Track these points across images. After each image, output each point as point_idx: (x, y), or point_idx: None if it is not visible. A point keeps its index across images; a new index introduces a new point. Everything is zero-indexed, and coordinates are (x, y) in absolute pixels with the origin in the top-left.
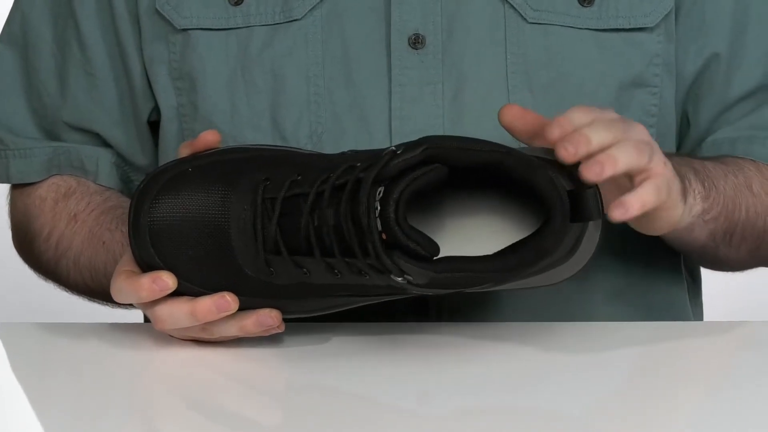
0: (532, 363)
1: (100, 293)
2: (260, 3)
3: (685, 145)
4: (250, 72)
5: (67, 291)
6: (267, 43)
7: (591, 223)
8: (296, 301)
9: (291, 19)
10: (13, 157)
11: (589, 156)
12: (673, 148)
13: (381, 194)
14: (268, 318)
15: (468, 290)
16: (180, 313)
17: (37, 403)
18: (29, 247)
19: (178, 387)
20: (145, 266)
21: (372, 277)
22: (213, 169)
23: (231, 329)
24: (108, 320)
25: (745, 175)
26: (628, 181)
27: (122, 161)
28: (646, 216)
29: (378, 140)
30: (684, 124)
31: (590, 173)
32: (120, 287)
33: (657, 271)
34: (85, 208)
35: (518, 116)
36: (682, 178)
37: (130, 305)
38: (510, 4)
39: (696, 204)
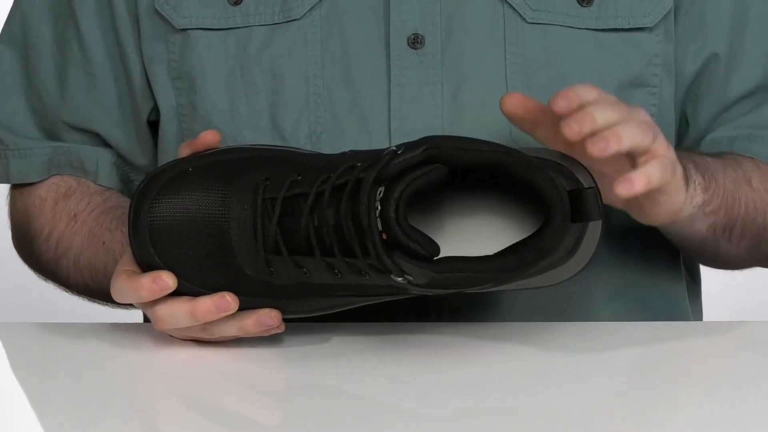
0: (532, 363)
1: (100, 293)
2: (259, 3)
3: (684, 144)
4: (249, 72)
5: (67, 291)
6: (266, 43)
7: (591, 223)
8: (296, 301)
9: (290, 19)
10: (13, 157)
11: (594, 134)
12: None
13: (381, 194)
14: (268, 318)
15: (468, 291)
16: (180, 312)
17: (37, 403)
18: (29, 247)
19: (178, 387)
20: (145, 266)
21: (372, 277)
22: (213, 169)
23: (231, 329)
24: (108, 320)
25: (744, 171)
26: (630, 165)
27: (122, 161)
28: (648, 200)
29: (377, 140)
30: (683, 123)
31: (595, 149)
32: (120, 287)
33: (657, 271)
34: (85, 208)
35: (520, 104)
36: (684, 167)
37: (130, 305)
38: (509, 4)
39: (696, 195)
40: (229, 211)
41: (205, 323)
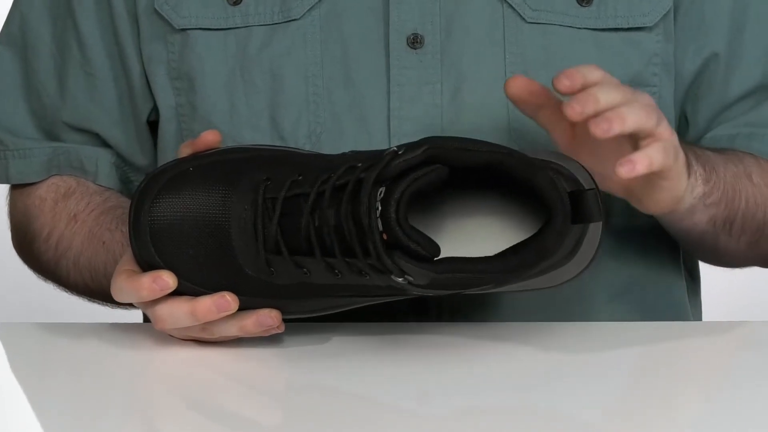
0: (532, 363)
1: (100, 293)
2: (259, 3)
3: None
4: (248, 72)
5: (66, 291)
6: (266, 43)
7: (592, 225)
8: (296, 301)
9: (289, 18)
10: (13, 157)
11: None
12: None
13: (382, 194)
14: (268, 318)
15: (468, 291)
16: (180, 312)
17: (37, 403)
18: (29, 247)
19: (178, 387)
20: (146, 265)
21: (372, 278)
22: (213, 169)
23: (231, 329)
24: (108, 320)
25: (745, 166)
26: (632, 150)
27: (122, 161)
28: (650, 186)
29: (377, 140)
30: (683, 123)
31: (598, 129)
32: (120, 286)
33: (657, 271)
34: (85, 209)
35: (524, 87)
36: (685, 156)
37: (130, 305)
38: (509, 3)
39: (697, 185)
40: (229, 210)
41: (205, 323)
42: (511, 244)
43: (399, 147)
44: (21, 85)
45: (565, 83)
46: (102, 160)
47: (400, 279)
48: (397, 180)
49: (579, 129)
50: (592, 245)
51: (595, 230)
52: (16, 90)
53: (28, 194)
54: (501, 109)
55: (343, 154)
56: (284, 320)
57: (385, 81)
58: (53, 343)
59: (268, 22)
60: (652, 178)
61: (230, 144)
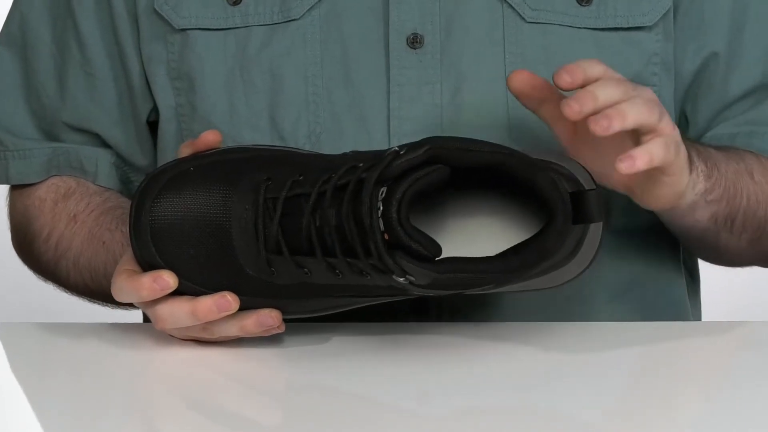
0: (532, 363)
1: (100, 294)
2: (258, 3)
3: None
4: (248, 72)
5: (66, 292)
6: (265, 43)
7: (592, 225)
8: (297, 301)
9: (289, 18)
10: (13, 158)
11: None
12: None
13: (383, 194)
14: (268, 318)
15: (469, 292)
16: (181, 312)
17: (37, 403)
18: (29, 248)
19: (178, 387)
20: (146, 265)
21: (373, 278)
22: (214, 169)
23: (231, 329)
24: (108, 320)
25: (746, 163)
26: (634, 145)
27: (121, 162)
28: (651, 181)
29: (376, 140)
30: (683, 122)
31: (597, 127)
32: (121, 286)
33: (657, 270)
34: (85, 209)
35: (527, 81)
36: (687, 152)
37: (131, 305)
38: (508, 3)
39: (699, 181)
40: (230, 210)
41: (205, 323)
42: (512, 245)
43: (400, 147)
44: (21, 85)
45: (565, 79)
46: (102, 161)
47: (402, 279)
48: (398, 180)
49: (581, 124)
50: (592, 245)
51: (595, 230)
52: (16, 90)
53: (28, 195)
54: (501, 108)
55: (344, 154)
56: (285, 320)
57: (385, 81)
58: (53, 343)
59: (268, 22)
60: (653, 174)
61: (230, 144)
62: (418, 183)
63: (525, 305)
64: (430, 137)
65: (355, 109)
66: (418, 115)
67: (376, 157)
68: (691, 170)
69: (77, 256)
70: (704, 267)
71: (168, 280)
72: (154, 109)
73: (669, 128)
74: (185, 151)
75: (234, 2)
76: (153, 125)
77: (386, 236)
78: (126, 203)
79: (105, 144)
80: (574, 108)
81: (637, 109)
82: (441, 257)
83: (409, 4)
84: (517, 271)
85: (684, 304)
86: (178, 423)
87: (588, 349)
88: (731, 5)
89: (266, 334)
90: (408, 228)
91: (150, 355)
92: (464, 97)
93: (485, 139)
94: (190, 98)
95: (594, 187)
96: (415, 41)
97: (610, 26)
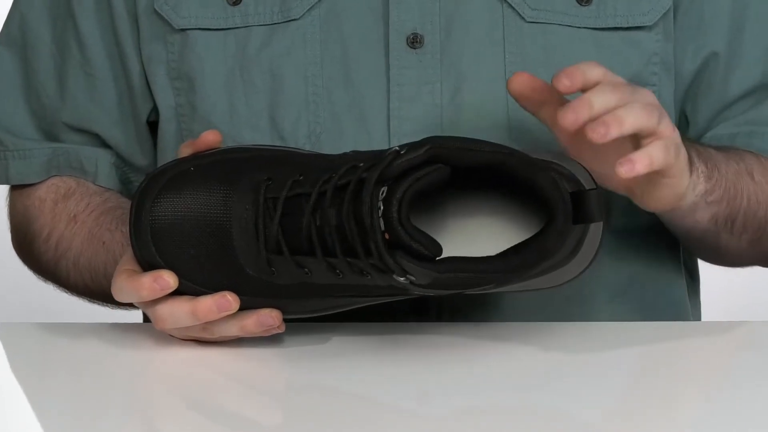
0: (532, 363)
1: (100, 294)
2: (258, 3)
3: None
4: (248, 72)
5: (66, 292)
6: (265, 43)
7: (593, 225)
8: (297, 301)
9: (289, 18)
10: (13, 158)
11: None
12: None
13: (384, 194)
14: (268, 318)
15: (469, 291)
16: (181, 312)
17: (37, 403)
18: (29, 248)
19: (178, 387)
20: (146, 265)
21: (374, 278)
22: (214, 169)
23: (231, 329)
24: (108, 320)
25: (746, 164)
26: (633, 148)
27: (121, 162)
28: (651, 183)
29: (376, 140)
30: (683, 122)
31: (595, 134)
32: (121, 286)
33: (657, 271)
34: (85, 209)
35: (527, 83)
36: (687, 154)
37: (131, 305)
38: (508, 3)
39: (699, 183)
40: (230, 210)
41: (205, 323)
42: (512, 244)
43: (401, 147)
44: (21, 85)
45: (564, 82)
46: (102, 161)
47: (402, 279)
48: (399, 180)
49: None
50: (592, 245)
51: (595, 230)
52: (16, 90)
53: (28, 195)
54: (501, 108)
55: (345, 154)
56: (285, 320)
57: (385, 81)
58: (53, 343)
59: (268, 22)
60: (653, 176)
61: (230, 144)
62: (418, 183)
63: (525, 305)
64: (431, 137)
65: (355, 109)
66: (418, 115)
67: (376, 156)
68: (691, 172)
69: (77, 256)
70: (704, 267)
71: (168, 280)
72: (154, 109)
73: (669, 131)
74: (185, 151)
75: (234, 2)
76: (153, 125)
77: (387, 236)
78: (126, 203)
79: (105, 144)
80: (569, 117)
81: (635, 114)
82: (441, 257)
83: (409, 4)
84: (517, 270)
85: (684, 304)
86: (178, 423)
87: (588, 349)
88: (731, 5)
89: (266, 334)
90: (408, 228)
91: (150, 355)
92: (464, 96)
93: (485, 139)
94: (190, 98)
95: (594, 186)
96: (415, 41)
97: (610, 26)
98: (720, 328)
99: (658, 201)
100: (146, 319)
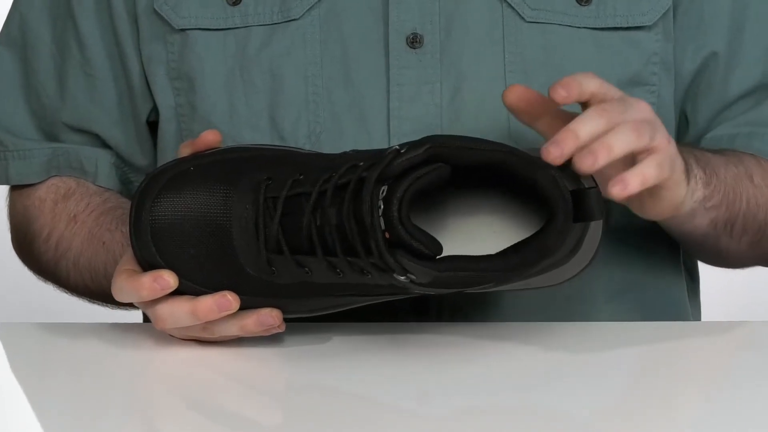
0: (532, 363)
1: (100, 294)
2: (258, 3)
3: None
4: (248, 72)
5: (66, 292)
6: (265, 43)
7: (593, 223)
8: (298, 300)
9: (289, 18)
10: (13, 158)
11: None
12: None
13: (384, 193)
14: (268, 317)
15: (470, 290)
16: (181, 312)
17: (37, 403)
18: (29, 248)
19: (178, 387)
20: (147, 265)
21: (374, 277)
22: (214, 169)
23: (232, 329)
24: (108, 320)
25: (746, 167)
26: (631, 160)
27: (121, 162)
28: (649, 195)
29: (376, 140)
30: (683, 122)
31: (583, 165)
32: (121, 286)
33: (657, 271)
34: (85, 209)
35: (522, 96)
36: (685, 162)
37: (131, 305)
38: (508, 3)
39: (698, 189)
40: (230, 210)
41: (205, 323)
42: (512, 243)
43: (401, 146)
44: (21, 85)
45: (561, 93)
46: (102, 161)
47: (403, 277)
48: (399, 179)
49: None
50: (592, 244)
51: (595, 229)
52: (16, 90)
53: (28, 195)
54: (500, 108)
55: (345, 153)
56: (285, 320)
57: (385, 81)
58: (53, 343)
59: (268, 22)
60: (650, 188)
61: (230, 144)
62: (418, 182)
63: (525, 305)
64: (431, 136)
65: (355, 108)
66: (418, 114)
67: (376, 156)
68: (689, 179)
69: (77, 256)
70: (704, 267)
71: (168, 279)
72: (154, 109)
73: (663, 144)
74: (185, 150)
75: (234, 2)
76: (153, 125)
77: (387, 235)
78: (126, 203)
79: (105, 144)
80: (554, 153)
81: (624, 138)
82: (442, 256)
83: (409, 4)
84: (517, 269)
85: (684, 305)
86: (178, 423)
87: (588, 349)
88: (731, 5)
89: (266, 334)
90: (409, 226)
91: (150, 355)
92: (464, 96)
93: (486, 139)
94: (190, 98)
95: (594, 185)
96: (414, 41)
97: (610, 26)
98: (720, 328)
99: (656, 211)
100: (146, 319)
